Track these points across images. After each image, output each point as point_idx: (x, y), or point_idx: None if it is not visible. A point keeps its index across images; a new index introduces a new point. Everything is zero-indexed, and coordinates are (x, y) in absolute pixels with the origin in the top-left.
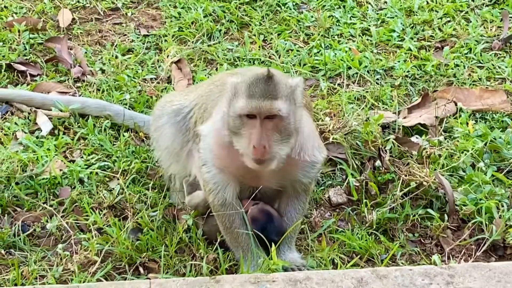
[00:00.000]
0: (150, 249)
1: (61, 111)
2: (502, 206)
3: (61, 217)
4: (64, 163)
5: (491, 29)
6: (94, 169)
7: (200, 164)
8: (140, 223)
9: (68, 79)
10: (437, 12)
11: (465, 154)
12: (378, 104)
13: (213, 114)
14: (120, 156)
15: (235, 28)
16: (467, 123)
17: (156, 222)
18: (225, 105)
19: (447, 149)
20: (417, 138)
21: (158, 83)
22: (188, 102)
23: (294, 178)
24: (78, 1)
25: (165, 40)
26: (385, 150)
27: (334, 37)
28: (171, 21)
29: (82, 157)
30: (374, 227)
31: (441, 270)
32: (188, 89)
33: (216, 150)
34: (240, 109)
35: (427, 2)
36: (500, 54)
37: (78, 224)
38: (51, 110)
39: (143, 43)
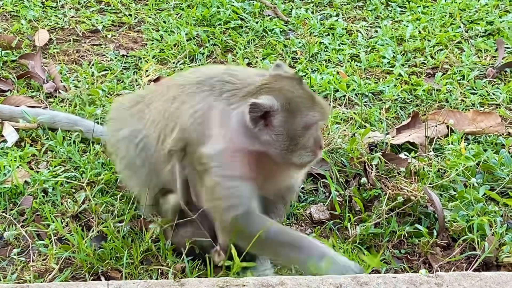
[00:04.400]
0: (114, 258)
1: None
2: (495, 223)
3: (21, 226)
4: (28, 172)
5: (485, 58)
6: (59, 179)
7: (215, 184)
8: (105, 233)
9: (39, 94)
10: (429, 41)
11: (456, 170)
12: (366, 125)
13: (212, 133)
14: (88, 168)
15: (219, 51)
16: (459, 143)
17: (122, 232)
18: (281, 124)
19: (436, 166)
20: (405, 155)
21: None
22: (146, 134)
23: (289, 182)
24: (57, 23)
25: (146, 61)
26: (371, 166)
27: (321, 62)
28: (152, 43)
29: (48, 169)
30: (358, 242)
31: (428, 279)
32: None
33: (239, 162)
34: (316, 120)
35: (419, 32)
36: (494, 82)
37: (38, 233)
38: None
39: (122, 63)
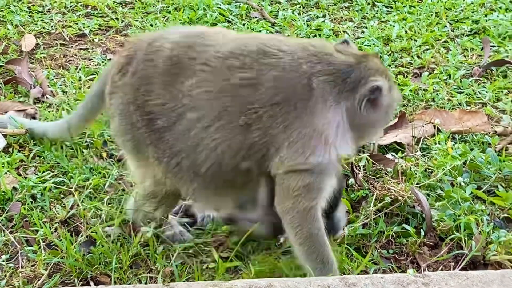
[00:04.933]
0: (103, 263)
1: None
2: (482, 222)
3: (9, 232)
4: (16, 178)
5: (471, 57)
6: (48, 185)
7: (306, 182)
8: (94, 238)
9: (27, 100)
10: (416, 40)
11: (443, 170)
12: None
13: (321, 142)
14: (77, 173)
15: None
16: (446, 143)
17: (113, 235)
18: (386, 103)
19: (423, 165)
20: (393, 155)
21: None
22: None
23: None
24: (43, 27)
25: None
26: (359, 167)
27: None
28: None
29: (36, 174)
30: (346, 242)
31: (415, 279)
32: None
33: (339, 165)
34: (400, 98)
35: (406, 32)
36: (480, 81)
37: (26, 239)
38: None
39: None
